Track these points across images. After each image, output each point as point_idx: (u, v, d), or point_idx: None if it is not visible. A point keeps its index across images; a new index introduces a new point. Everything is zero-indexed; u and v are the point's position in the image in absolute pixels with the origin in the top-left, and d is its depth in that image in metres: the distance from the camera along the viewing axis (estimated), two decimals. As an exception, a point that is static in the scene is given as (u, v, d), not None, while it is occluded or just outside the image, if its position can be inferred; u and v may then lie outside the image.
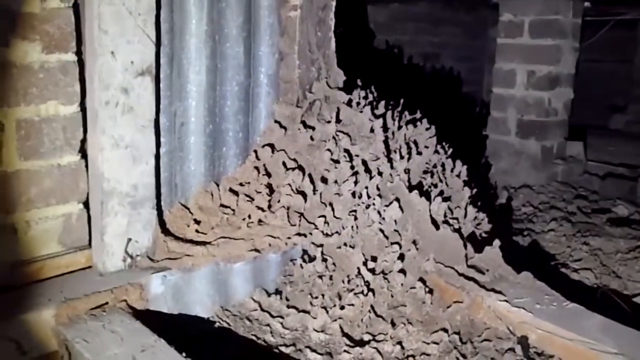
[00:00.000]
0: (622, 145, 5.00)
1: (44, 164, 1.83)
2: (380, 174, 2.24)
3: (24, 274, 1.81)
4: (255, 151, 2.30)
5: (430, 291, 2.09)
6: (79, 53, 1.86)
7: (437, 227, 2.17)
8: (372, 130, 2.33)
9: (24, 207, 1.81)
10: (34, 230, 1.84)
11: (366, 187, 2.21)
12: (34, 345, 1.64)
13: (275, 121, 2.34)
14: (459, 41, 6.83)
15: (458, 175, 2.39)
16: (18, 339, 1.61)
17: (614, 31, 5.47)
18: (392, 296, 2.08)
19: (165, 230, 2.03)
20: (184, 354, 1.54)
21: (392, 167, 2.27)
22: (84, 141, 1.90)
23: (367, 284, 2.08)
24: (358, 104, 2.41)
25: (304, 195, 2.21)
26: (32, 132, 1.79)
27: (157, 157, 1.97)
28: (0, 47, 1.68)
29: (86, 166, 1.92)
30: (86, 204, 1.94)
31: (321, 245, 2.17)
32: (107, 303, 1.78)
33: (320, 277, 2.13)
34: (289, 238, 2.17)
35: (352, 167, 2.25)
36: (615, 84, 6.54)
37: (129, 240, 1.92)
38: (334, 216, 2.19)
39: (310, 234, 2.18)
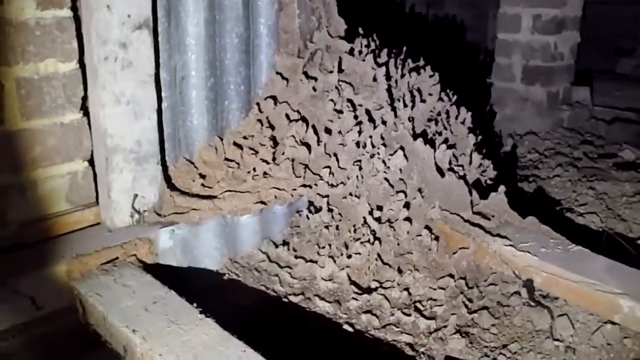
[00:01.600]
0: (629, 90, 4.93)
1: (47, 123, 1.83)
2: (384, 123, 2.23)
3: (34, 232, 1.84)
4: (258, 104, 2.28)
5: (436, 238, 2.11)
6: (74, 9, 1.82)
7: (442, 175, 2.17)
8: (375, 79, 2.30)
9: (29, 167, 1.82)
10: (41, 189, 1.85)
11: (370, 137, 2.20)
12: (49, 300, 1.67)
13: (277, 73, 2.31)
14: (462, -14, 6.67)
15: (463, 123, 2.37)
16: (32, 295, 1.64)
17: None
18: (398, 244, 2.10)
19: (171, 185, 2.04)
20: (194, 305, 1.57)
21: (396, 115, 2.25)
22: (85, 98, 1.89)
23: (373, 232, 2.10)
24: (360, 52, 2.37)
25: (308, 146, 2.21)
26: (32, 90, 1.78)
27: (159, 112, 1.96)
28: (-6, 4, 1.65)
29: (89, 123, 1.92)
30: (91, 162, 1.95)
31: (327, 196, 2.18)
32: (117, 258, 1.81)
33: (327, 227, 2.15)
34: (295, 189, 2.17)
35: (355, 117, 2.23)
36: (622, 27, 6.39)
37: (136, 195, 1.93)
38: (339, 166, 2.19)
39: (316, 185, 2.19)
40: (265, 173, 2.15)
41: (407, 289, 1.99)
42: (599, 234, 2.58)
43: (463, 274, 2.06)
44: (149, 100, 1.89)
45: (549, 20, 4.20)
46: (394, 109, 2.26)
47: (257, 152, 2.17)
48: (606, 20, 6.44)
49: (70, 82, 1.85)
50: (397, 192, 2.15)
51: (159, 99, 1.95)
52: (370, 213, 2.13)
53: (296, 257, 2.11)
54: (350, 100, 2.26)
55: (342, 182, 2.18)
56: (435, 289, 2.00)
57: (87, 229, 1.94)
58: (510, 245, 2.01)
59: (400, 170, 2.17)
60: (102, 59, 1.77)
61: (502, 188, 2.19)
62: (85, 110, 1.90)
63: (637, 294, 1.75)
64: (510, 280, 2.00)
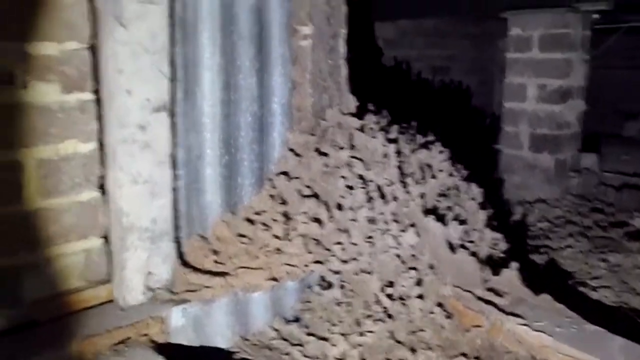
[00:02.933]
0: (636, 154, 4.96)
1: (64, 201, 1.86)
2: (395, 199, 2.25)
3: (46, 309, 1.84)
4: (271, 180, 2.32)
5: (449, 316, 2.09)
6: (96, 92, 1.89)
7: (454, 251, 2.17)
8: (385, 156, 2.34)
9: (44, 245, 1.84)
10: (55, 267, 1.87)
11: (382, 213, 2.22)
12: (59, 383, 1.66)
13: (290, 149, 2.36)
14: (467, 53, 6.84)
15: (473, 198, 2.39)
16: (43, 377, 1.63)
17: (624, 38, 5.45)
18: (411, 321, 2.08)
19: (184, 262, 2.05)
20: (206, 390, 1.56)
21: (407, 191, 2.27)
22: (102, 177, 1.94)
23: (385, 310, 2.08)
24: (371, 129, 2.42)
25: (320, 222, 2.22)
26: (51, 170, 1.82)
27: (175, 191, 1.99)
28: (19, 90, 1.72)
29: (105, 201, 1.95)
30: (106, 239, 1.97)
31: (338, 272, 2.18)
32: (129, 338, 1.80)
33: (339, 304, 2.14)
34: (306, 265, 2.18)
35: (367, 193, 2.26)
36: (627, 91, 6.50)
37: (149, 273, 1.94)
38: (351, 242, 2.20)
39: (328, 260, 2.19)
40: (277, 249, 2.16)
41: (420, 369, 1.96)
42: (614, 310, 2.54)
43: (477, 353, 2.03)
44: (165, 180, 1.93)
45: (554, 90, 4.30)
46: (404, 185, 2.28)
47: (269, 228, 2.19)
48: (611, 84, 6.56)
49: (89, 162, 1.90)
50: (409, 268, 2.15)
51: (175, 178, 1.99)
52: (382, 290, 2.12)
53: (308, 334, 2.09)
54: (361, 176, 2.29)
55: (354, 258, 2.18)
56: (449, 369, 1.97)
57: (99, 306, 1.94)
58: (525, 324, 1.98)
59: (412, 246, 2.17)
60: (121, 141, 1.82)
61: (514, 264, 2.18)
62: (102, 188, 1.94)
63: (656, 379, 1.71)
64: (525, 361, 1.97)
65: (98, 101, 1.90)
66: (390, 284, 2.14)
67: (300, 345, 2.07)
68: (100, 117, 1.90)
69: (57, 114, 1.81)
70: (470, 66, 6.87)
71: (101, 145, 1.92)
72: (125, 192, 1.85)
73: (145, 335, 1.84)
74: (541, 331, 1.95)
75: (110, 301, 1.96)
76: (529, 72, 4.39)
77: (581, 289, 2.77)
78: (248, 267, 2.10)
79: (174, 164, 1.98)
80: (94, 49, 1.86)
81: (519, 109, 4.47)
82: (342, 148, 2.33)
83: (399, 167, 2.31)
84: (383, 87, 4.36)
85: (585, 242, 3.29)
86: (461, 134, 4.76)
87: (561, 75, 4.26)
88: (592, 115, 5.42)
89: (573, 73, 4.33)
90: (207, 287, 2.00)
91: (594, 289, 2.76)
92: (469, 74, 6.85)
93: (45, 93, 1.78)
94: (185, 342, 1.93)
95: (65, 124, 1.83)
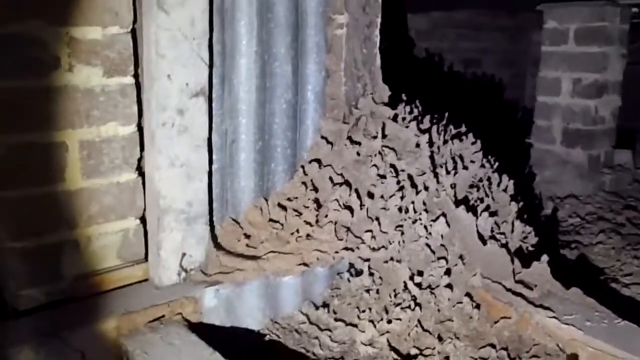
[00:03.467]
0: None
1: (104, 182, 1.92)
2: (426, 188, 2.26)
3: (86, 286, 1.91)
4: (303, 167, 2.35)
5: (478, 306, 2.10)
6: (136, 76, 1.94)
7: (484, 242, 2.17)
8: (417, 145, 2.35)
9: (85, 223, 1.90)
10: (95, 245, 1.93)
11: (412, 202, 2.23)
12: (98, 356, 1.72)
13: (322, 137, 2.38)
14: (500, 46, 6.77)
15: (505, 190, 2.38)
16: (83, 349, 1.69)
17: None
18: (439, 311, 2.09)
19: (217, 245, 2.10)
20: (238, 368, 1.60)
21: (438, 182, 2.28)
22: (140, 159, 1.99)
23: (414, 298, 2.10)
24: (404, 119, 2.43)
25: (351, 210, 2.25)
26: (93, 152, 1.88)
27: (210, 174, 2.04)
28: (65, 73, 1.78)
29: (143, 183, 2.00)
30: (142, 220, 2.03)
31: (368, 260, 2.20)
32: (163, 316, 1.86)
33: (368, 291, 2.16)
34: (337, 252, 2.21)
35: (398, 182, 2.27)
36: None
37: (184, 254, 1.99)
38: (381, 231, 2.22)
39: (358, 248, 2.21)
40: (308, 235, 2.19)
41: (447, 358, 1.97)
42: (645, 307, 2.52)
43: (505, 345, 2.03)
44: (202, 163, 1.98)
45: (590, 84, 4.23)
46: (436, 175, 2.29)
47: (300, 214, 2.23)
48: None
49: (128, 145, 1.95)
50: (439, 258, 2.16)
51: (210, 162, 2.04)
52: (411, 278, 2.14)
53: (336, 320, 2.12)
54: (393, 166, 2.31)
55: (383, 246, 2.20)
56: (476, 359, 1.98)
57: (135, 285, 2.00)
58: (554, 317, 1.98)
59: (442, 236, 2.18)
60: (160, 125, 1.87)
61: (544, 257, 2.17)
62: (140, 170, 2.00)
63: (687, 375, 1.70)
64: (553, 353, 1.96)
65: (138, 85, 1.95)
66: (420, 273, 2.16)
67: (329, 330, 2.10)
68: (140, 101, 1.95)
69: (100, 97, 1.87)
70: (502, 59, 6.79)
71: (140, 129, 1.98)
72: (162, 174, 1.90)
73: (179, 314, 1.89)
74: (571, 324, 1.94)
75: (146, 280, 2.03)
76: (564, 66, 4.33)
77: (613, 285, 2.74)
78: (279, 252, 2.14)
79: (210, 148, 2.02)
80: (134, 34, 1.91)
81: (553, 103, 4.41)
82: (374, 137, 2.35)
83: (431, 157, 2.32)
84: (415, 79, 4.35)
85: (618, 239, 3.25)
86: (493, 128, 4.72)
87: (597, 70, 4.19)
88: (628, 112, 5.31)
89: (609, 67, 4.26)
90: (239, 269, 2.04)
91: (626, 285, 2.73)
92: (501, 67, 6.77)
93: (89, 76, 1.83)
94: (217, 323, 1.98)
95: (107, 107, 1.89)
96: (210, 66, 1.99)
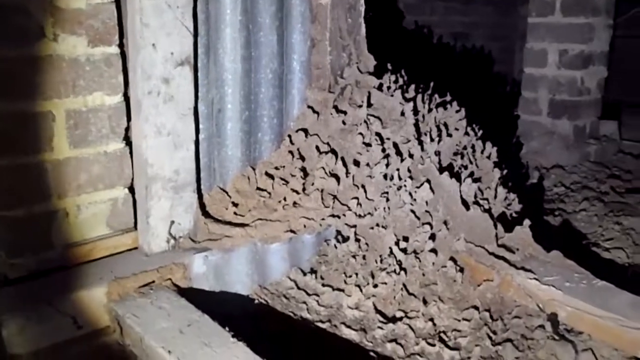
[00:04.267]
0: (659, 123, 4.91)
1: (92, 152, 1.94)
2: (411, 156, 2.30)
3: (76, 254, 1.94)
4: (290, 136, 2.37)
5: (461, 270, 2.15)
6: (121, 46, 1.95)
7: (468, 208, 2.22)
8: (402, 114, 2.38)
9: (74, 192, 1.93)
10: (84, 214, 1.96)
11: (397, 170, 2.27)
12: (89, 321, 1.75)
13: (308, 106, 2.41)
14: (489, 20, 6.76)
15: (488, 157, 2.42)
16: (74, 314, 1.73)
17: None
18: (423, 275, 2.14)
19: (206, 213, 2.13)
20: (226, 329, 1.64)
21: (422, 149, 2.32)
22: (127, 129, 2.01)
23: (399, 263, 2.15)
24: (389, 88, 2.46)
25: (337, 178, 2.28)
26: (80, 121, 1.89)
27: (197, 143, 2.06)
28: (51, 42, 1.78)
29: (130, 153, 2.03)
30: (131, 189, 2.05)
31: (354, 226, 2.25)
32: (153, 281, 1.89)
33: (354, 256, 2.21)
34: (323, 219, 2.24)
35: (383, 150, 2.30)
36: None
37: (172, 222, 2.02)
38: (367, 198, 2.26)
39: (344, 215, 2.25)
40: (295, 203, 2.23)
41: (431, 320, 2.03)
42: (624, 270, 2.58)
43: (487, 306, 2.09)
44: (188, 132, 2.00)
45: (576, 55, 4.25)
46: (420, 142, 2.32)
47: (287, 183, 2.26)
48: (635, 53, 6.44)
49: (115, 114, 1.97)
50: (423, 223, 2.21)
51: (197, 131, 2.06)
52: (397, 244, 2.18)
53: (323, 285, 2.17)
54: (378, 134, 2.34)
55: (369, 213, 2.24)
56: (459, 320, 2.03)
57: (125, 253, 2.03)
58: (535, 278, 2.04)
59: (427, 202, 2.23)
60: (146, 93, 1.88)
61: (526, 222, 2.22)
62: (127, 140, 2.02)
63: (662, 331, 1.76)
64: (534, 314, 2.02)
65: (123, 55, 1.96)
66: (405, 239, 2.20)
67: (316, 295, 2.15)
68: (125, 71, 1.96)
69: (85, 66, 1.87)
70: (491, 33, 6.79)
71: (127, 98, 1.99)
72: (149, 143, 1.92)
73: (169, 279, 1.93)
74: (551, 285, 2.00)
75: (135, 248, 2.05)
76: (550, 37, 4.34)
77: (594, 249, 2.81)
78: (266, 220, 2.17)
79: (196, 117, 2.04)
80: (119, 4, 1.92)
81: (539, 75, 4.44)
82: (359, 106, 2.38)
83: (416, 125, 2.35)
84: (403, 50, 4.36)
85: (601, 207, 3.31)
86: (482, 100, 4.75)
87: (583, 40, 4.21)
88: (616, 85, 5.35)
89: (595, 38, 4.28)
90: (227, 236, 2.08)
91: (607, 249, 2.80)
92: (490, 40, 6.78)
93: (74, 46, 1.84)
94: (206, 288, 2.02)
95: (93, 77, 1.90)
96: (195, 35, 2.00)
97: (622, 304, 1.90)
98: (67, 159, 1.89)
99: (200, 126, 2.12)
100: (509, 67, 6.77)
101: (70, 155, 1.90)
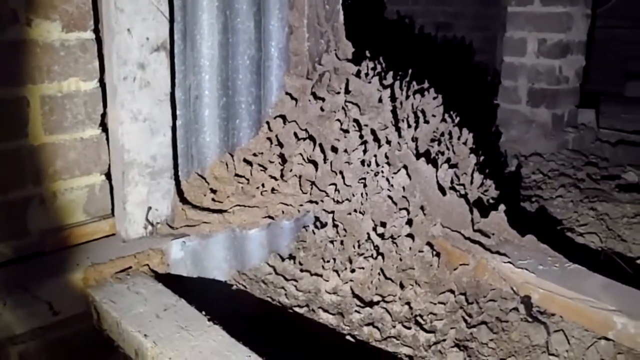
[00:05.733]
0: (636, 113, 4.97)
1: (68, 138, 1.93)
2: (388, 142, 2.32)
3: (53, 241, 1.93)
4: (268, 122, 2.38)
5: (438, 254, 2.18)
6: (96, 31, 1.94)
7: (444, 193, 2.25)
8: (380, 100, 2.39)
9: (51, 179, 1.92)
10: (61, 200, 1.95)
11: (375, 156, 2.29)
12: (65, 306, 1.75)
13: (286, 93, 2.41)
14: (472, 10, 6.80)
15: (465, 143, 2.45)
16: (50, 300, 1.72)
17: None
18: (400, 259, 2.17)
19: (183, 199, 2.13)
20: (203, 313, 1.65)
21: (400, 135, 2.34)
22: (104, 115, 2.00)
23: (376, 248, 2.17)
24: (367, 74, 2.47)
25: (315, 164, 2.30)
26: (55, 107, 1.88)
27: (174, 129, 2.06)
28: (24, 27, 1.77)
29: (107, 139, 2.02)
30: (108, 175, 2.05)
31: (332, 212, 2.26)
32: (130, 267, 1.90)
33: (332, 242, 2.23)
34: (301, 205, 2.26)
35: (361, 137, 2.32)
36: (631, 51, 6.46)
37: (149, 208, 2.02)
38: (344, 184, 2.27)
39: (322, 201, 2.27)
40: (273, 189, 2.24)
41: (408, 303, 2.06)
42: (597, 254, 2.63)
43: (463, 290, 2.13)
44: (165, 118, 2.00)
45: (554, 44, 4.30)
46: (398, 129, 2.34)
47: (266, 169, 2.27)
48: (615, 43, 6.53)
49: (90, 100, 1.96)
50: (400, 209, 2.23)
51: (174, 117, 2.06)
52: (374, 229, 2.20)
53: (302, 270, 2.19)
54: (356, 121, 2.35)
55: (347, 199, 2.26)
56: (435, 304, 2.07)
57: (102, 239, 2.03)
58: (509, 262, 2.08)
59: (404, 188, 2.25)
60: (122, 79, 1.88)
61: (502, 207, 2.26)
62: (104, 126, 2.01)
63: (631, 311, 1.80)
64: (508, 297, 2.06)
65: (99, 40, 1.95)
66: (382, 224, 2.22)
67: (294, 280, 2.17)
68: (101, 57, 1.95)
69: (60, 52, 1.86)
70: (474, 23, 6.83)
71: (103, 84, 1.98)
72: (125, 128, 1.92)
73: (146, 265, 1.93)
74: (524, 268, 2.04)
75: (113, 234, 2.06)
76: (530, 26, 4.38)
77: (568, 234, 2.85)
78: (245, 206, 2.18)
79: (173, 104, 2.04)
80: (93, -12, 1.91)
81: (519, 64, 4.48)
82: (337, 92, 2.39)
83: (393, 112, 2.37)
84: (383, 39, 4.37)
85: (577, 193, 3.36)
86: (462, 89, 4.79)
87: (561, 30, 4.25)
88: (596, 75, 5.42)
89: (574, 27, 4.32)
90: (205, 222, 2.08)
91: (581, 234, 2.85)
92: (473, 31, 6.82)
93: (48, 31, 1.82)
94: (184, 274, 2.03)
95: (67, 62, 1.89)
96: (171, 21, 1.99)
97: (593, 287, 1.95)
98: (43, 145, 1.88)
99: (178, 112, 2.12)
100: (492, 57, 6.82)
101: (45, 141, 1.89)
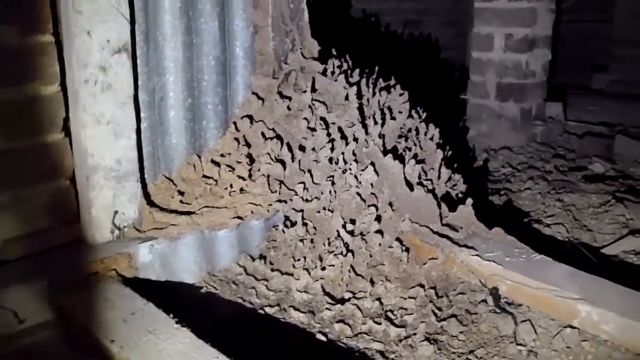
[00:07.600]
0: (602, 105, 5.07)
1: (30, 143, 1.91)
2: (355, 139, 2.33)
3: (17, 248, 1.90)
4: (235, 123, 2.37)
5: (407, 250, 2.20)
6: (56, 34, 1.91)
7: (412, 189, 2.26)
8: (347, 98, 2.40)
9: (12, 185, 1.89)
10: (24, 207, 1.93)
11: (342, 153, 2.30)
12: (31, 314, 1.73)
13: (253, 93, 2.41)
14: (442, 6, 6.85)
15: (431, 139, 2.47)
16: (15, 309, 1.70)
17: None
18: (370, 256, 2.18)
19: (151, 202, 2.11)
20: (171, 315, 1.64)
21: (367, 132, 2.35)
22: (66, 119, 1.97)
23: (346, 245, 2.18)
24: (333, 73, 2.48)
25: (283, 163, 2.30)
26: (16, 113, 1.86)
27: (139, 132, 2.04)
28: (-21, 31, 1.74)
29: (70, 143, 1.99)
30: (73, 180, 2.02)
31: (301, 211, 2.27)
32: (97, 272, 1.88)
33: (302, 240, 2.23)
34: (270, 205, 2.26)
35: (328, 135, 2.33)
36: (596, 44, 6.59)
37: (116, 212, 2.00)
38: (313, 182, 2.28)
39: (291, 200, 2.27)
40: (241, 189, 2.24)
41: (379, 299, 2.07)
42: (564, 244, 2.68)
43: (433, 284, 2.15)
44: (129, 121, 1.98)
45: (521, 39, 4.36)
46: (365, 126, 2.36)
47: (234, 169, 2.26)
48: (581, 37, 6.65)
49: (52, 105, 1.93)
50: (369, 205, 2.24)
51: (138, 119, 2.04)
52: (344, 226, 2.21)
53: (272, 270, 2.19)
54: (323, 119, 2.36)
55: (316, 197, 2.26)
56: (405, 299, 2.08)
57: (68, 245, 2.00)
58: (477, 255, 2.10)
59: (372, 185, 2.26)
60: (83, 82, 1.86)
61: (469, 201, 2.28)
62: (66, 130, 1.98)
63: (594, 299, 1.84)
64: (477, 289, 2.09)
65: (58, 44, 1.92)
66: (352, 221, 2.23)
67: (265, 280, 2.16)
68: (61, 60, 1.93)
69: (18, 56, 1.83)
70: (445, 19, 6.88)
71: (64, 88, 1.96)
72: (89, 132, 1.89)
73: (114, 270, 1.91)
74: (492, 261, 2.07)
75: (79, 240, 2.03)
76: (497, 21, 4.44)
77: (535, 225, 2.90)
78: (213, 207, 2.18)
79: (137, 106, 2.02)
80: (51, -10, 1.88)
81: (486, 59, 4.53)
82: (304, 91, 2.39)
83: (360, 109, 2.38)
84: (350, 37, 4.38)
85: (544, 185, 3.42)
86: (430, 85, 4.83)
87: (527, 24, 4.31)
88: (562, 68, 5.50)
89: (539, 22, 4.38)
90: (173, 225, 2.07)
91: (548, 225, 2.89)
92: (444, 27, 6.86)
93: (5, 35, 1.80)
94: (153, 277, 2.02)
95: (27, 67, 1.86)
96: (132, 22, 1.97)
97: (559, 276, 1.98)
98: (4, 152, 1.86)
99: (142, 115, 2.10)
100: (462, 52, 6.88)
101: (6, 147, 1.86)
